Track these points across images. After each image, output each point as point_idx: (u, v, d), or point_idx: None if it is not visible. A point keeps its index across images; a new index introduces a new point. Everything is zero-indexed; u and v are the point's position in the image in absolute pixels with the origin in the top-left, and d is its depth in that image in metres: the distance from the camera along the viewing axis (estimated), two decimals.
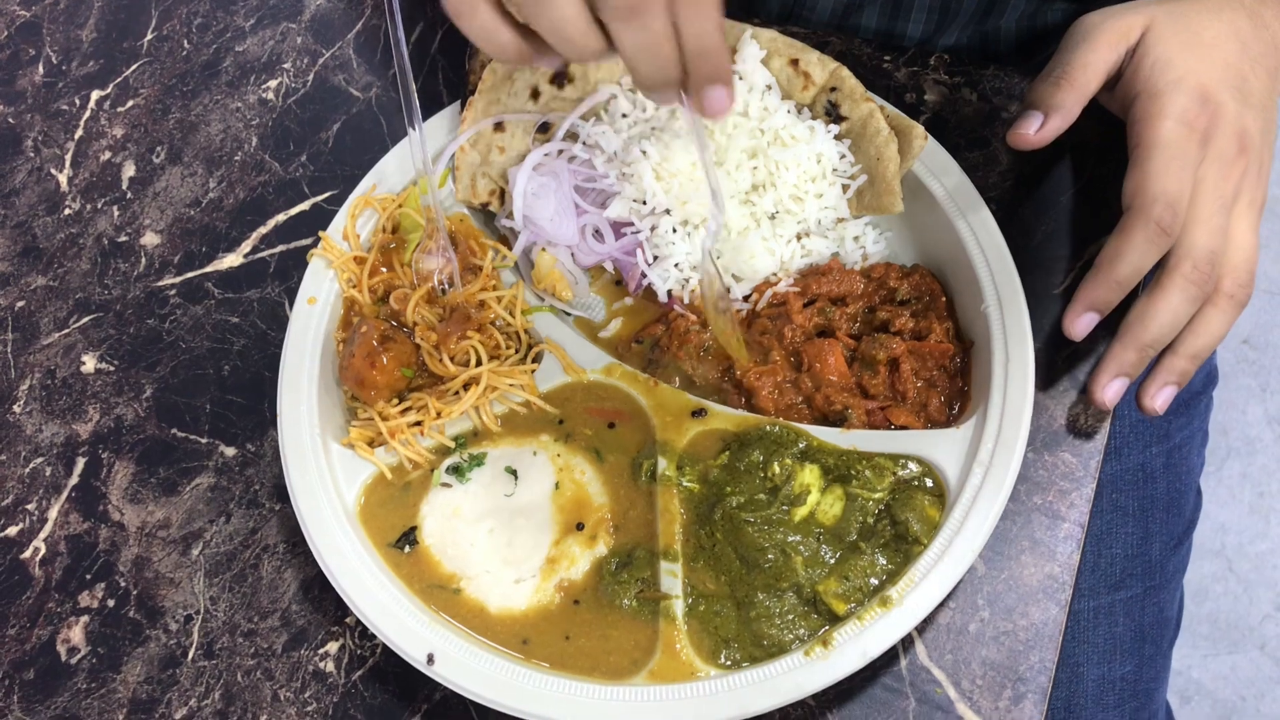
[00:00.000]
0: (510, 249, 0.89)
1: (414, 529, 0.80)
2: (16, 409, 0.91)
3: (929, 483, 0.78)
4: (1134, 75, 0.80)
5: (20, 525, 0.87)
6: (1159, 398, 0.80)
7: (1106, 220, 0.86)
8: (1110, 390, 0.79)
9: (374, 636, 0.81)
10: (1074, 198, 0.87)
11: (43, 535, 0.87)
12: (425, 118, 0.91)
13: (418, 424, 0.82)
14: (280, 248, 0.95)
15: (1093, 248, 0.86)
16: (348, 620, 0.82)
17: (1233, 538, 2.15)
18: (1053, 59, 0.83)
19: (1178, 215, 0.76)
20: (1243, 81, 0.81)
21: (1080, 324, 0.79)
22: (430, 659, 0.75)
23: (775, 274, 0.87)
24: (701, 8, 0.64)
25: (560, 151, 0.89)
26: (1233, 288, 0.79)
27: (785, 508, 0.78)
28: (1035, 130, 0.81)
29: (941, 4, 1.00)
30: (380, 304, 0.86)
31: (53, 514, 0.88)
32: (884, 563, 0.76)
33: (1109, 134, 0.84)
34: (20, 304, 0.96)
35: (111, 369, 0.92)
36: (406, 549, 0.80)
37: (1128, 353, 0.78)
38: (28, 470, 0.89)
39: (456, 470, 0.81)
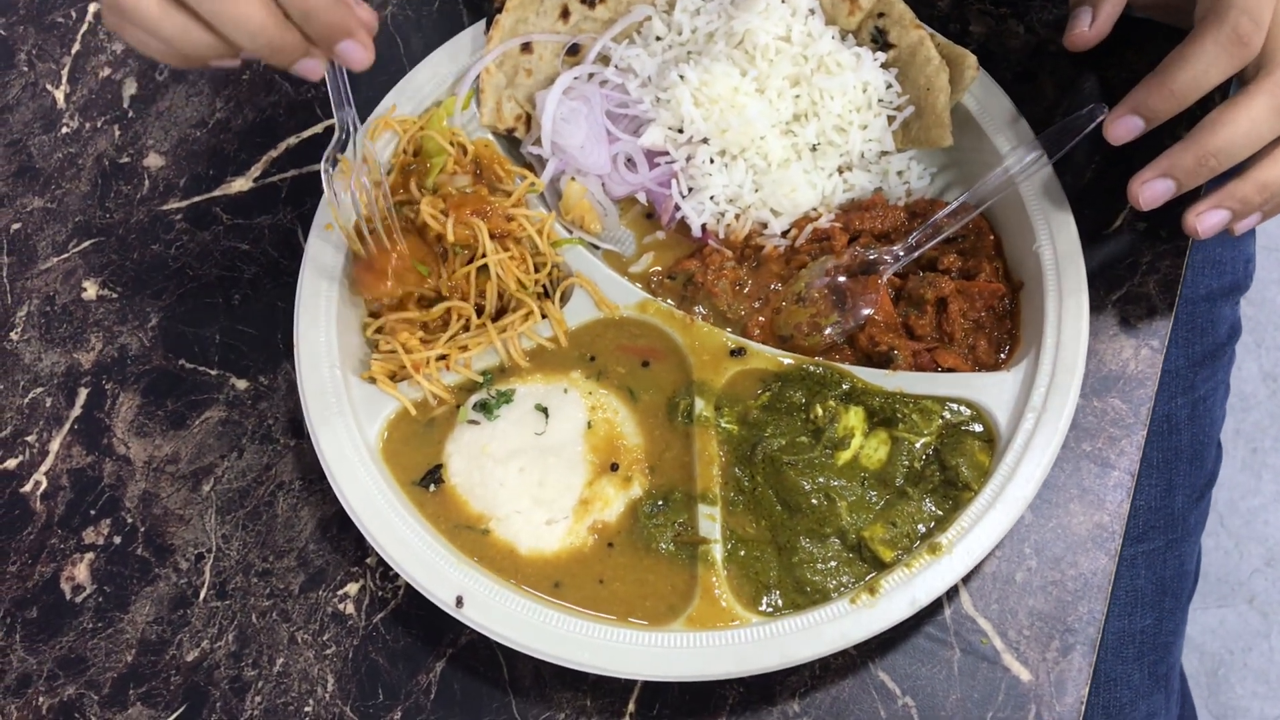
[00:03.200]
0: (538, 176, 0.84)
1: (440, 467, 0.77)
2: (14, 336, 0.87)
3: (978, 427, 0.75)
4: None
5: (20, 458, 0.83)
6: (1206, 219, 0.71)
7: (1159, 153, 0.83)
8: (1150, 189, 0.71)
9: (395, 578, 0.78)
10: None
11: (43, 469, 0.83)
12: (446, 40, 0.87)
13: (443, 358, 0.79)
14: (292, 172, 0.91)
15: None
16: (368, 561, 0.78)
17: (1224, 492, 2.15)
18: None
19: (1259, 26, 0.69)
20: None
21: (1122, 127, 0.72)
22: (459, 601, 0.71)
23: (816, 209, 0.83)
24: None
25: (591, 75, 0.85)
26: None
27: (829, 451, 0.75)
28: (1089, 25, 0.76)
29: None
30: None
31: (54, 446, 0.84)
32: (932, 509, 0.73)
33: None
34: (16, 226, 0.91)
35: (114, 296, 0.88)
36: (432, 488, 0.76)
37: (1185, 155, 0.69)
38: (27, 400, 0.85)
39: (484, 407, 0.78)
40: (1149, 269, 0.81)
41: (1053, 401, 0.74)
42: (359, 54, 0.69)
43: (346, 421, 0.77)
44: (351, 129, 0.75)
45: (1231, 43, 0.68)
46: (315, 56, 0.68)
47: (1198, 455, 1.16)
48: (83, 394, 0.85)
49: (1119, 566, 1.11)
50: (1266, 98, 0.69)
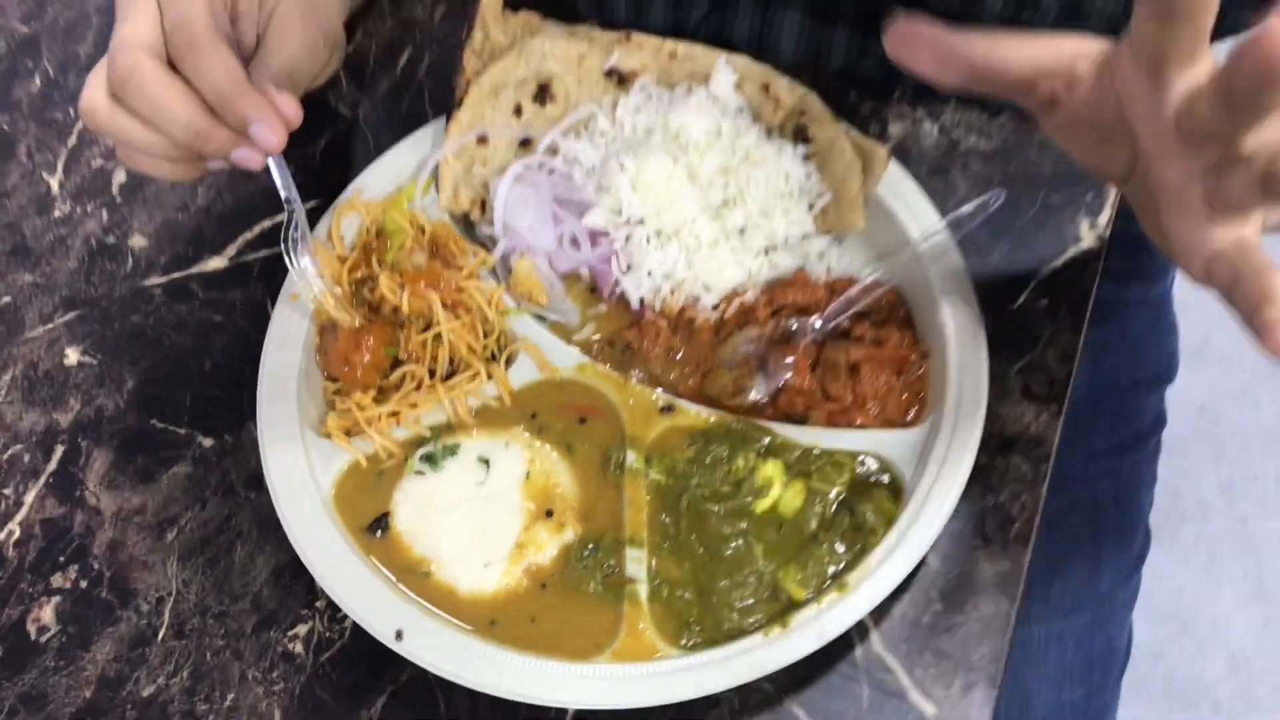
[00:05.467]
0: (490, 254, 0.92)
1: (387, 514, 0.83)
2: None
3: (886, 479, 0.82)
4: None
5: None
6: None
7: (1059, 246, 0.91)
8: None
9: (343, 620, 0.82)
10: (1029, 223, 0.92)
11: (18, 519, 0.88)
12: (411, 133, 0.95)
13: (394, 414, 0.85)
14: (264, 252, 0.98)
15: (1044, 269, 0.91)
16: (317, 605, 0.83)
17: (1188, 600, 2.19)
18: None
19: None
20: None
21: None
22: (399, 635, 0.76)
23: (744, 285, 0.90)
24: (196, 57, 0.74)
25: (541, 165, 0.93)
26: None
27: (749, 499, 0.81)
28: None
29: None
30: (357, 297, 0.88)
31: (29, 498, 0.89)
32: (842, 551, 0.79)
33: (1061, 161, 0.89)
34: (6, 299, 0.98)
35: (94, 362, 0.95)
36: (379, 534, 0.82)
37: None
38: (5, 457, 0.91)
39: (430, 459, 0.84)
40: (1049, 342, 0.89)
41: (952, 456, 0.80)
42: (266, 136, 0.76)
43: (302, 472, 0.83)
44: (297, 212, 0.82)
45: None
46: (248, 145, 0.77)
47: (1124, 537, 1.22)
48: (59, 450, 0.91)
49: (1048, 641, 1.16)
50: None
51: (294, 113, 0.78)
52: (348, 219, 0.92)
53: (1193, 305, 2.66)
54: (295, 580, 0.84)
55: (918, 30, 0.67)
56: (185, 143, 0.76)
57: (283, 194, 0.82)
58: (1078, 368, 0.88)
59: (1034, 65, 0.68)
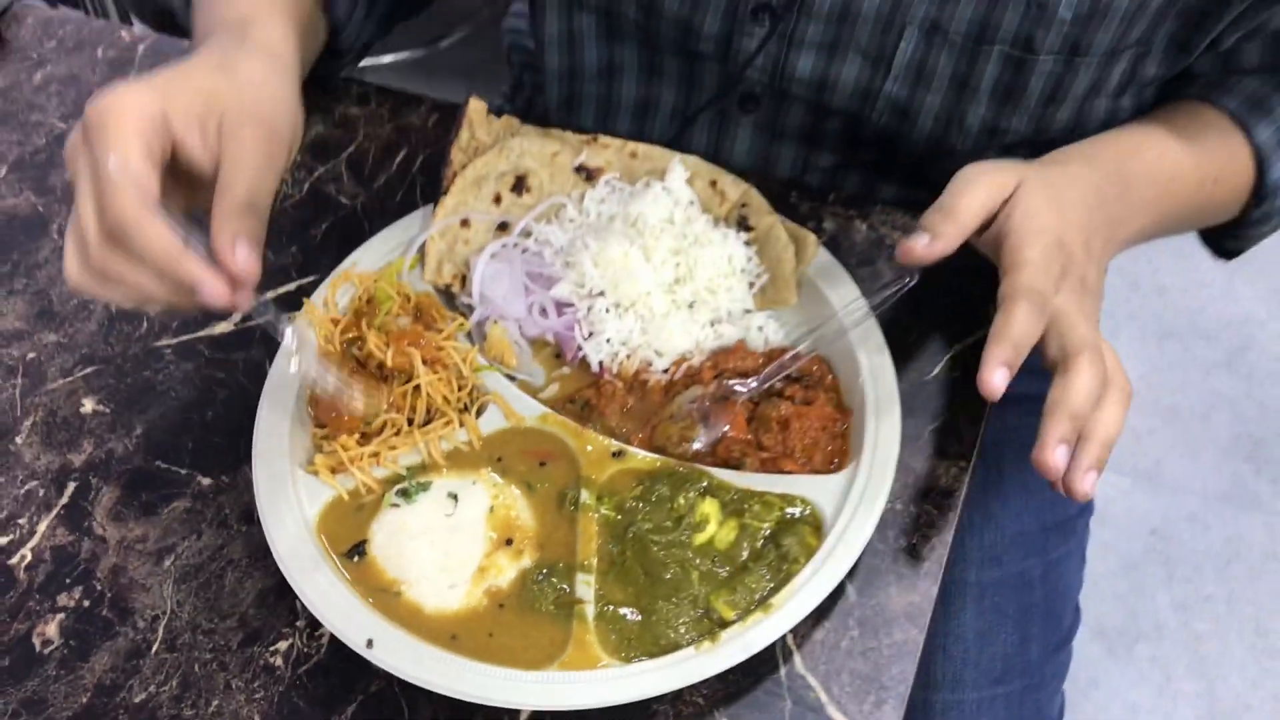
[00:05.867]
0: (467, 320, 1.04)
1: (364, 542, 0.92)
2: (19, 440, 1.04)
3: (809, 517, 0.92)
4: (1007, 220, 0.94)
5: (11, 536, 0.98)
6: (1085, 480, 0.85)
7: (971, 326, 1.03)
8: (1058, 455, 0.85)
9: (320, 637, 0.91)
10: (945, 307, 1.04)
11: (30, 545, 0.98)
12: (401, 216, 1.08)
13: (375, 455, 0.95)
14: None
15: (957, 345, 1.03)
16: (298, 624, 0.92)
17: (1144, 718, 2.25)
18: (941, 196, 0.98)
19: (1047, 301, 0.88)
20: (1088, 240, 0.96)
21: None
22: (370, 643, 0.85)
23: (691, 352, 1.02)
24: (128, 240, 0.77)
25: (515, 244, 1.06)
26: (1121, 380, 0.88)
27: (687, 533, 0.91)
28: (921, 247, 0.95)
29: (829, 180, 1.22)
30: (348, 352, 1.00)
31: (41, 528, 0.99)
32: (768, 579, 0.88)
33: (972, 256, 1.01)
34: (31, 355, 1.09)
35: (107, 411, 1.05)
36: (356, 558, 0.91)
37: (1063, 424, 0.85)
38: (23, 491, 1.01)
39: (405, 493, 0.94)
40: (959, 408, 1.00)
41: (867, 498, 0.91)
42: (215, 299, 0.80)
43: (290, 503, 0.93)
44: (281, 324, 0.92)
45: (1040, 305, 0.88)
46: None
47: (1052, 612, 1.30)
48: (71, 486, 1.01)
49: (979, 706, 1.24)
50: (1087, 367, 0.86)
51: (248, 269, 0.81)
52: (343, 288, 1.04)
53: (1145, 433, 2.78)
54: (279, 602, 0.93)
55: (917, 244, 0.92)
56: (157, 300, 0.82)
57: (263, 320, 0.91)
58: (984, 430, 1.00)
59: (984, 207, 0.93)
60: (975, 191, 0.94)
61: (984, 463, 1.19)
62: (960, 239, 0.94)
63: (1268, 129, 1.08)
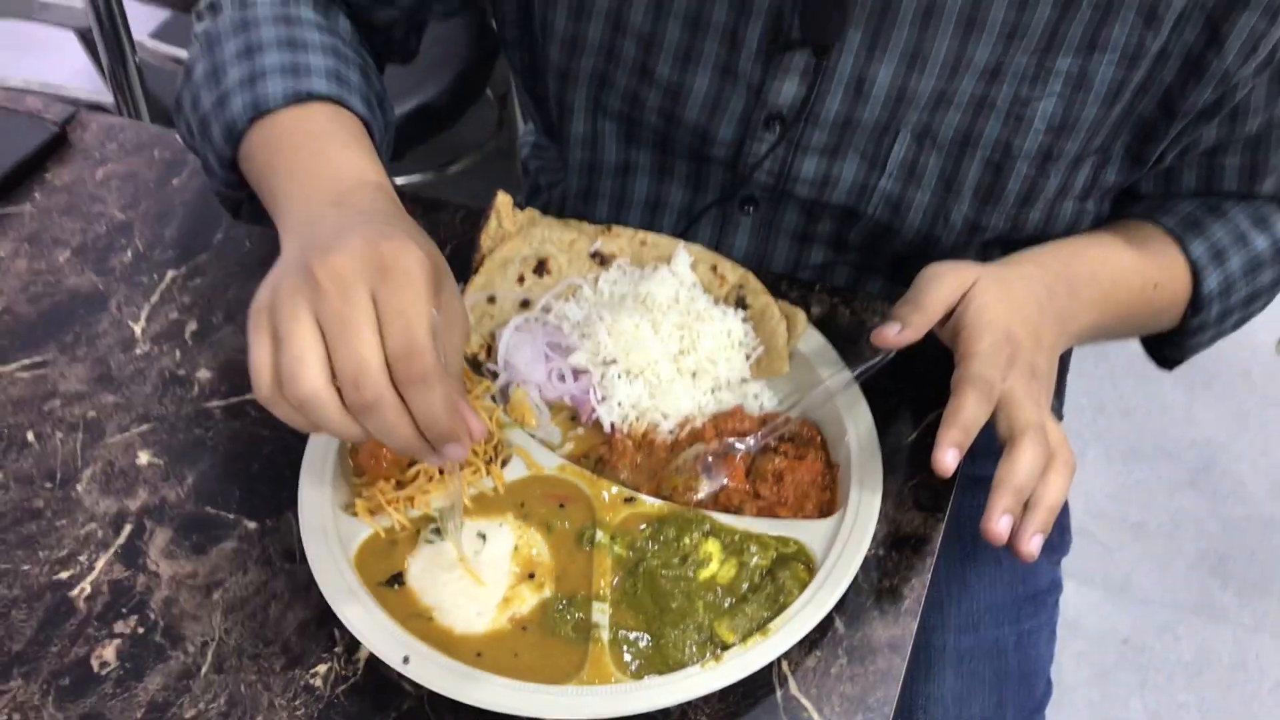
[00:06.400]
0: (493, 384, 1.15)
1: (401, 573, 1.02)
2: (79, 487, 1.14)
3: (802, 556, 1.02)
4: (963, 313, 1.07)
5: (72, 571, 1.07)
6: (1031, 543, 0.96)
7: (944, 397, 1.15)
8: (1002, 524, 0.96)
9: (356, 662, 1.00)
10: (922, 378, 1.17)
11: (89, 579, 1.07)
12: None
13: (410, 498, 1.06)
14: None
15: (931, 414, 1.15)
16: (336, 650, 1.01)
17: None
18: (910, 290, 1.12)
19: (994, 388, 1.04)
20: (1037, 332, 1.08)
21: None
22: (405, 660, 0.94)
23: (694, 415, 1.14)
24: (424, 391, 0.79)
25: (537, 319, 1.19)
26: (1065, 454, 1.00)
27: (692, 569, 1.01)
28: (893, 334, 1.09)
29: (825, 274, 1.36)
30: None
31: (100, 564, 1.08)
32: (765, 608, 0.99)
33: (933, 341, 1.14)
34: (91, 414, 1.20)
35: (161, 462, 1.16)
36: (396, 586, 1.01)
37: (1007, 497, 0.96)
38: (83, 532, 1.10)
39: (438, 532, 1.04)
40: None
41: (852, 542, 1.01)
42: (458, 454, 0.86)
43: (331, 540, 1.02)
44: None
45: (987, 391, 1.01)
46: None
47: (1025, 680, 1.40)
48: (127, 528, 1.10)
49: None
50: (1030, 445, 0.98)
51: (480, 433, 0.86)
52: None
53: (1115, 548, 2.89)
54: (319, 631, 1.02)
55: (890, 332, 1.08)
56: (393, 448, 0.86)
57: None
58: (955, 488, 1.11)
59: (945, 301, 1.08)
60: (939, 287, 1.08)
61: (960, 537, 1.31)
62: (926, 328, 1.08)
63: (1201, 245, 1.23)
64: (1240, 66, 1.07)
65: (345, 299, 0.77)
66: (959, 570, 1.39)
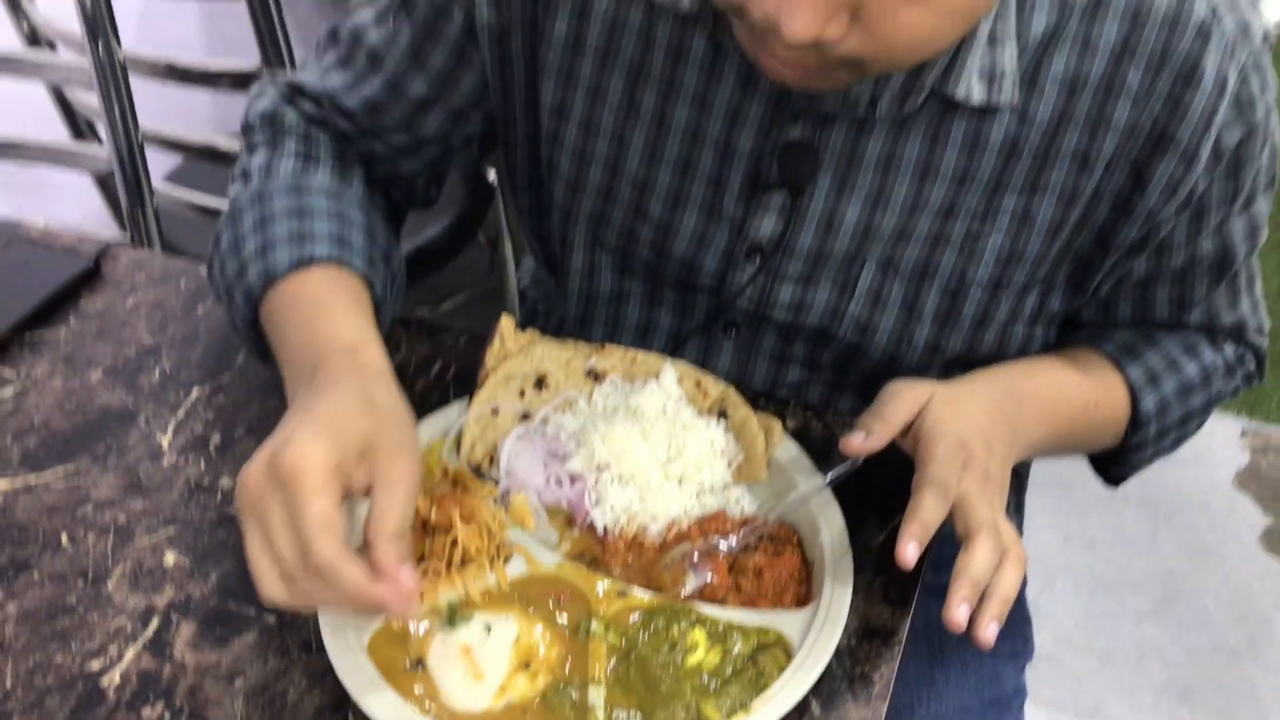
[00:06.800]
0: (495, 489, 1.26)
1: (422, 659, 1.11)
2: (109, 585, 1.22)
3: (781, 643, 1.12)
4: (921, 424, 1.19)
5: (102, 662, 1.15)
6: (988, 630, 1.05)
7: (905, 505, 1.26)
8: (960, 612, 1.06)
9: None
10: (889, 483, 1.28)
11: (119, 669, 1.15)
12: (439, 408, 1.32)
13: (420, 594, 1.15)
14: None
15: (898, 517, 1.26)
16: None
17: None
18: (873, 404, 1.24)
19: (950, 489, 1.15)
20: (989, 441, 1.20)
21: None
22: None
23: (680, 518, 1.24)
24: (328, 578, 0.96)
25: (536, 429, 1.30)
26: (1017, 550, 1.10)
27: (680, 655, 1.11)
28: (859, 442, 1.21)
29: (804, 389, 1.48)
30: None
31: (128, 655, 1.16)
32: (747, 689, 1.08)
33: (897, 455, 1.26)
34: (121, 519, 1.29)
35: (187, 562, 1.25)
36: (420, 669, 1.10)
37: (965, 588, 1.06)
38: (113, 626, 1.19)
39: (451, 622, 1.13)
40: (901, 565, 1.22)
41: (826, 631, 1.11)
42: (397, 612, 1.02)
43: (345, 633, 1.11)
44: None
45: (944, 491, 1.12)
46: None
47: None
48: (155, 622, 1.19)
49: None
50: (985, 542, 1.09)
51: (411, 585, 0.98)
52: None
53: (1084, 675, 2.96)
54: (334, 714, 1.10)
55: (855, 440, 1.19)
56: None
57: None
58: (923, 592, 1.21)
59: (906, 414, 1.20)
60: (900, 402, 1.20)
61: (929, 643, 1.41)
62: (888, 437, 1.20)
63: (1138, 369, 1.37)
64: (1163, 207, 1.22)
65: (254, 510, 0.97)
66: (928, 673, 1.48)
